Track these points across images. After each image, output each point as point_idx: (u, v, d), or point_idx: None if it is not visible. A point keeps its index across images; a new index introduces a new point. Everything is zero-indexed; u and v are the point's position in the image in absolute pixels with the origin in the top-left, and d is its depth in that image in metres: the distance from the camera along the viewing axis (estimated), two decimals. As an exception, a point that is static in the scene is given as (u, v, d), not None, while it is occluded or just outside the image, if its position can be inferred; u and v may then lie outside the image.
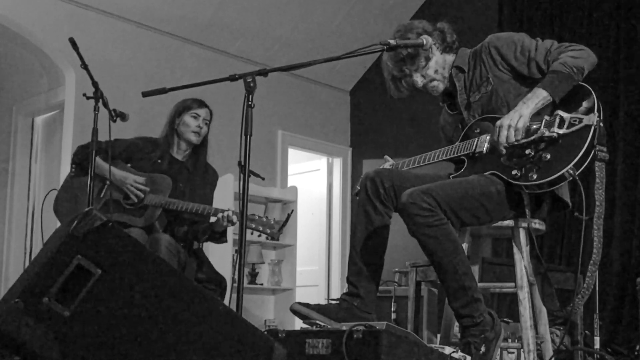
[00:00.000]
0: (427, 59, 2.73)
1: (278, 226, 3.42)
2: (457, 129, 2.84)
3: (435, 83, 2.78)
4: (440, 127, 2.98)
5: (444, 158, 2.74)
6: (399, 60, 2.75)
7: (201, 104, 3.85)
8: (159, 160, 3.77)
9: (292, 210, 3.58)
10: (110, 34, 5.51)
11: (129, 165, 3.77)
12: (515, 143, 2.50)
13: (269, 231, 3.43)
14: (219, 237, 3.72)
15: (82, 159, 3.73)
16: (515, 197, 2.57)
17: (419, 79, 2.76)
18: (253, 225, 3.44)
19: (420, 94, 2.87)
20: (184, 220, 3.73)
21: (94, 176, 3.53)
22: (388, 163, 2.92)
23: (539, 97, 2.48)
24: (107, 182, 3.65)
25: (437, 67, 2.76)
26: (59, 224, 3.74)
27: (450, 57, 2.78)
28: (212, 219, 3.70)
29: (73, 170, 3.79)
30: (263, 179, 4.36)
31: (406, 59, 2.73)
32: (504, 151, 2.51)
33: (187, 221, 3.73)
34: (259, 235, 3.47)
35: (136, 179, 3.65)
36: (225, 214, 3.52)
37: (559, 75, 2.48)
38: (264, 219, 3.46)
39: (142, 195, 3.62)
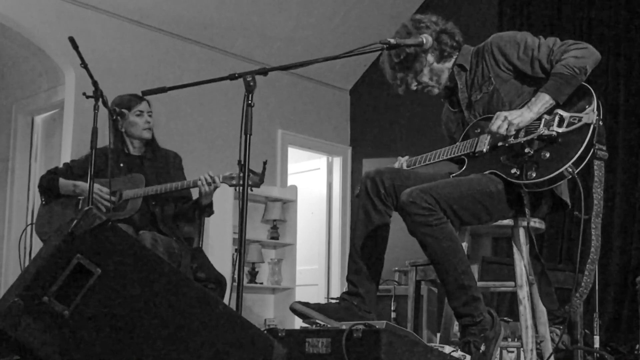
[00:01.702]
0: (420, 70, 2.74)
1: (258, 177, 3.44)
2: (458, 126, 2.85)
3: (429, 88, 2.80)
4: (442, 123, 2.98)
5: (445, 158, 2.74)
6: (393, 67, 2.77)
7: (138, 98, 3.83)
8: (121, 164, 3.78)
9: (267, 160, 3.63)
10: (110, 33, 5.51)
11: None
12: (510, 142, 2.52)
13: (250, 182, 3.46)
14: (209, 209, 3.76)
15: (48, 185, 3.79)
16: (515, 196, 2.57)
17: (413, 85, 2.79)
18: (234, 182, 3.52)
19: (421, 93, 2.88)
20: (169, 203, 3.77)
21: (65, 197, 3.71)
22: (403, 161, 2.88)
23: (542, 101, 2.50)
24: (80, 197, 3.72)
25: (431, 75, 2.77)
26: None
27: (449, 63, 2.78)
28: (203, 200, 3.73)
29: (43, 200, 3.83)
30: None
31: (397, 66, 2.74)
32: (491, 139, 2.55)
33: (172, 204, 3.78)
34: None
35: (101, 189, 3.63)
36: (202, 177, 3.56)
37: (563, 77, 2.48)
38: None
39: (108, 204, 3.64)
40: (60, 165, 4.01)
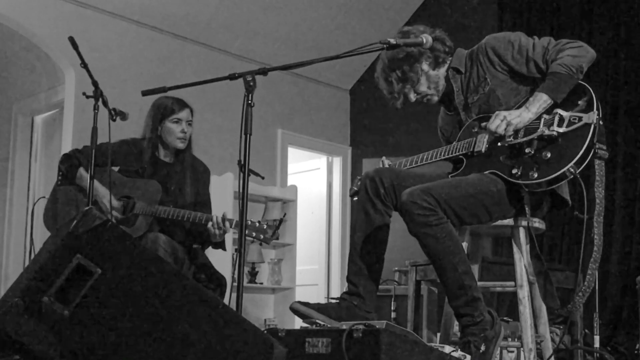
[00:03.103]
0: (417, 80, 2.73)
1: (271, 231, 3.36)
2: (455, 129, 2.85)
3: (428, 97, 2.80)
4: (439, 127, 2.98)
5: (443, 157, 2.74)
6: (389, 83, 2.76)
7: (181, 105, 3.68)
8: (145, 166, 3.66)
9: (285, 214, 3.53)
10: (110, 33, 5.51)
11: (117, 169, 3.64)
12: (510, 142, 2.52)
13: (262, 237, 3.36)
14: (218, 247, 3.68)
15: (67, 169, 3.66)
16: (515, 196, 2.57)
17: (411, 96, 2.78)
18: (246, 231, 3.37)
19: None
20: (178, 226, 3.65)
21: (80, 189, 3.57)
22: (386, 162, 2.92)
23: (540, 101, 2.50)
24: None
25: (428, 83, 2.77)
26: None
27: (443, 69, 2.78)
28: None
29: (60, 179, 3.69)
30: (263, 178, 4.35)
31: (394, 80, 2.74)
32: (491, 139, 2.56)
33: (182, 229, 3.66)
34: (252, 241, 3.41)
35: (113, 204, 3.49)
36: (215, 218, 3.43)
37: (559, 76, 2.49)
38: (257, 224, 3.38)
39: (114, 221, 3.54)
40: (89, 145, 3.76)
